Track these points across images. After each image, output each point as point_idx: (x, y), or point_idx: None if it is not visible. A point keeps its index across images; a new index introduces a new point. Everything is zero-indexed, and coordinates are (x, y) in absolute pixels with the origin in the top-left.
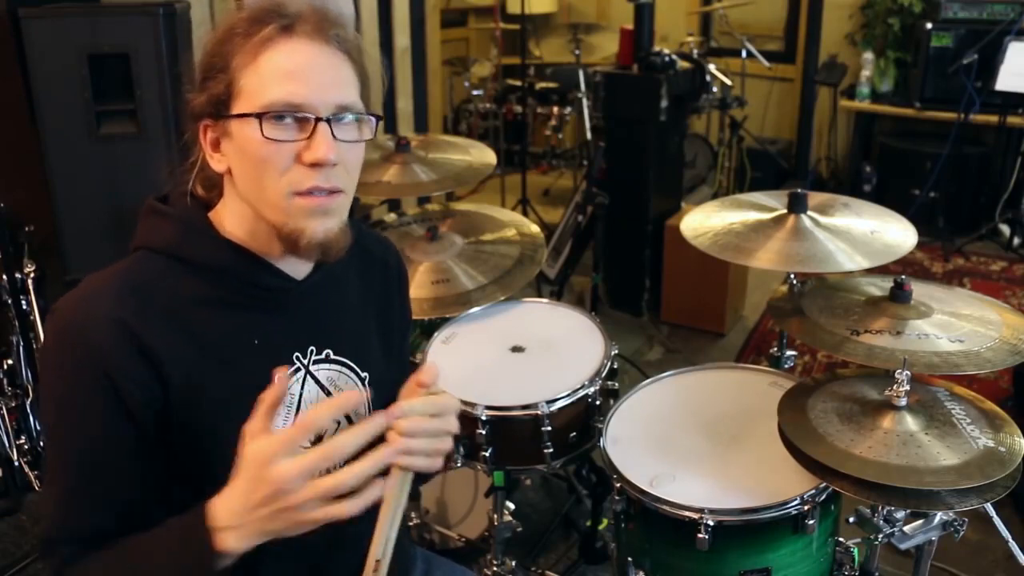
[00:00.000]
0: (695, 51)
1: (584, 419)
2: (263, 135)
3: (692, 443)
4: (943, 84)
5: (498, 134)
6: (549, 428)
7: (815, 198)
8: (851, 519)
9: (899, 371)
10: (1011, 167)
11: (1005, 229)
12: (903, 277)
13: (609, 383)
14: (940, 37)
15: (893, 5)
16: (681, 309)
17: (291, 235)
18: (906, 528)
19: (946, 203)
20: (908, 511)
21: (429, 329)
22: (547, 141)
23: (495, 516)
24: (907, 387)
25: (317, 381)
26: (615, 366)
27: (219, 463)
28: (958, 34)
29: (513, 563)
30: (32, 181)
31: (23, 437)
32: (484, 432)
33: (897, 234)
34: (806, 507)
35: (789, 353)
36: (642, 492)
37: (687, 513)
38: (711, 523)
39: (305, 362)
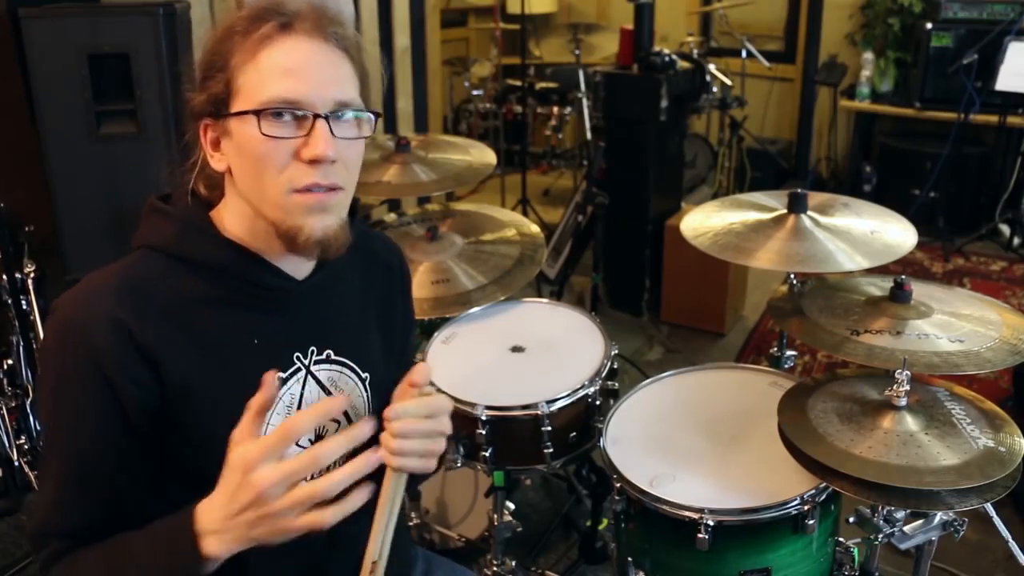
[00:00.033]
0: (695, 51)
1: (584, 419)
2: (261, 132)
3: (692, 443)
4: (943, 84)
5: (498, 134)
6: (549, 428)
7: (815, 198)
8: (851, 519)
9: (899, 371)
10: (1011, 167)
11: (1005, 229)
12: (903, 277)
13: (609, 383)
14: (940, 37)
15: (893, 5)
16: (681, 309)
17: (289, 232)
18: (906, 528)
19: (946, 203)
20: (908, 511)
21: (429, 329)
22: (547, 141)
23: (495, 516)
24: (907, 387)
25: (318, 381)
26: (615, 366)
27: (216, 463)
28: (958, 34)
29: (513, 563)
30: (32, 181)
31: (23, 437)
32: (484, 432)
33: (897, 234)
34: (806, 507)
35: (789, 353)
36: (642, 492)
37: (687, 513)
38: (711, 523)
39: (306, 362)
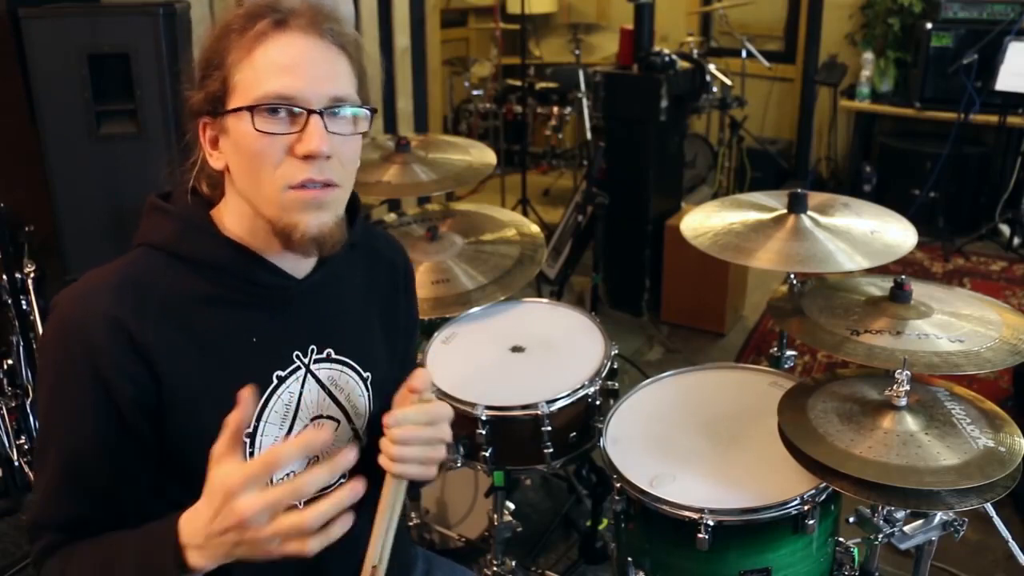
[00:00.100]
0: (695, 51)
1: (584, 419)
2: (255, 128)
3: (692, 443)
4: (943, 84)
5: (498, 134)
6: (549, 428)
7: (815, 198)
8: (851, 519)
9: (899, 371)
10: (1011, 167)
11: (1005, 229)
12: (903, 277)
13: (609, 383)
14: (940, 37)
15: (893, 5)
16: (681, 309)
17: (285, 229)
18: (906, 528)
19: (946, 203)
20: (908, 511)
21: (429, 329)
22: (547, 141)
23: (495, 516)
24: (907, 387)
25: (318, 380)
26: (615, 366)
27: None
28: (958, 34)
29: (513, 563)
30: (32, 181)
31: (23, 437)
32: (484, 432)
33: (897, 234)
34: (806, 507)
35: (789, 353)
36: (642, 492)
37: (687, 513)
38: (711, 523)
39: (305, 361)
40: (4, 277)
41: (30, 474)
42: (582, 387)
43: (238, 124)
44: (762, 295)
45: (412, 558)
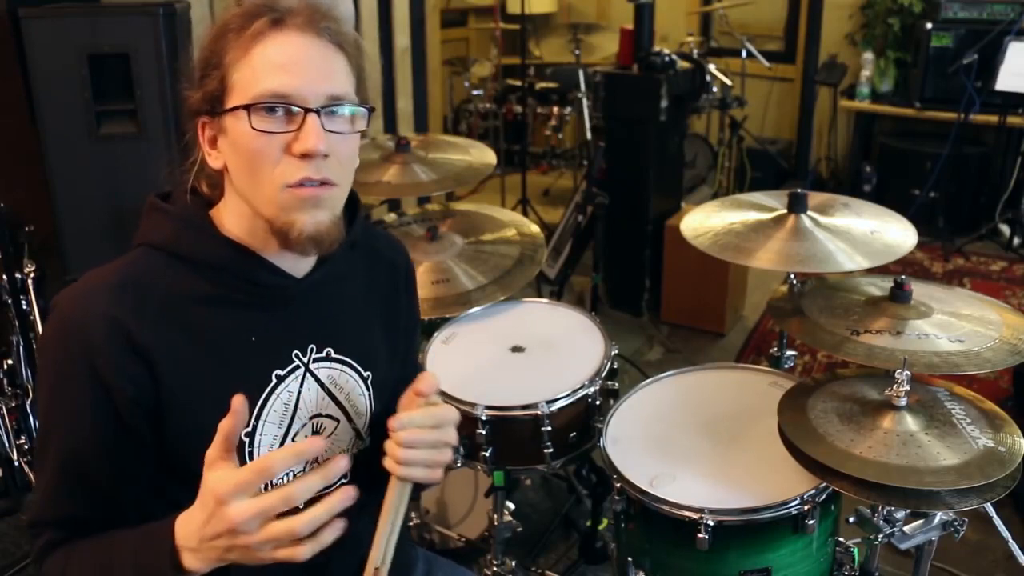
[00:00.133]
0: (695, 51)
1: (584, 419)
2: (252, 127)
3: (692, 443)
4: (943, 84)
5: (498, 134)
6: (549, 428)
7: (815, 198)
8: (851, 519)
9: (899, 371)
10: (1011, 167)
11: (1005, 229)
12: (903, 277)
13: (609, 383)
14: (940, 37)
15: (893, 5)
16: (681, 309)
17: (282, 228)
18: (906, 528)
19: (946, 203)
20: (908, 511)
21: (429, 329)
22: (547, 141)
23: (495, 516)
24: (907, 387)
25: (317, 379)
26: (615, 366)
27: None
28: (958, 34)
29: (513, 563)
30: (32, 181)
31: (23, 437)
32: (484, 432)
33: (897, 234)
34: (806, 507)
35: (789, 353)
36: (642, 492)
37: (687, 513)
38: (711, 523)
39: (305, 360)
40: (4, 277)
41: (30, 474)
42: (582, 387)
43: (236, 123)
44: (762, 295)
45: (412, 559)
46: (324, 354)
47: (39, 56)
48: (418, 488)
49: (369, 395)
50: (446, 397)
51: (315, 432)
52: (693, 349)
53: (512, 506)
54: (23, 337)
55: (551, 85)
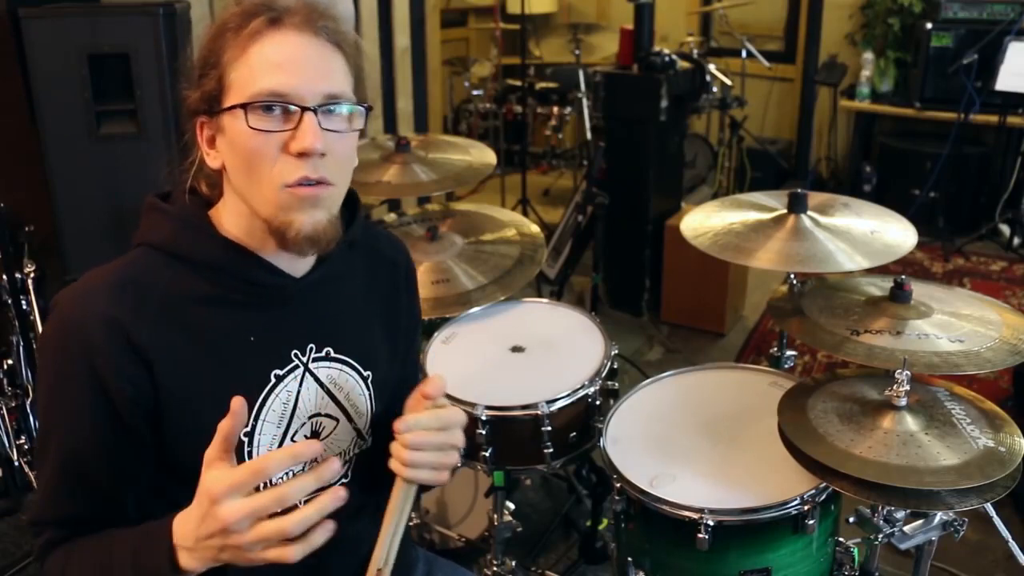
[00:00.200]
0: (695, 51)
1: (584, 419)
2: (249, 126)
3: (692, 443)
4: (943, 84)
5: (498, 134)
6: (549, 428)
7: (815, 198)
8: (851, 519)
9: (899, 371)
10: (1011, 167)
11: (1005, 229)
12: (903, 277)
13: (609, 383)
14: (940, 37)
15: (893, 5)
16: (681, 309)
17: (280, 228)
18: (906, 528)
19: (946, 203)
20: (908, 511)
21: (429, 329)
22: (547, 141)
23: (495, 516)
24: (907, 387)
25: (317, 379)
26: (615, 366)
27: None
28: (958, 34)
29: (513, 563)
30: (32, 181)
31: (23, 437)
32: (484, 432)
33: (897, 234)
34: (806, 507)
35: (789, 353)
36: (642, 492)
37: (687, 513)
38: (711, 523)
39: (304, 360)
40: (4, 277)
41: (30, 474)
42: (582, 387)
43: (233, 122)
44: (762, 295)
45: (413, 559)
46: (323, 354)
47: (39, 56)
48: (422, 489)
49: (369, 395)
50: (446, 397)
51: (315, 431)
52: (693, 349)
53: (512, 506)
54: (23, 337)
55: (551, 85)
